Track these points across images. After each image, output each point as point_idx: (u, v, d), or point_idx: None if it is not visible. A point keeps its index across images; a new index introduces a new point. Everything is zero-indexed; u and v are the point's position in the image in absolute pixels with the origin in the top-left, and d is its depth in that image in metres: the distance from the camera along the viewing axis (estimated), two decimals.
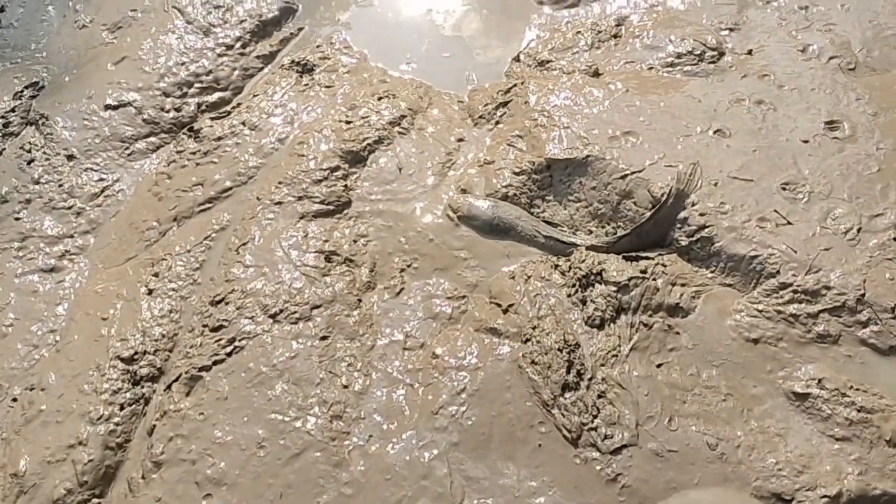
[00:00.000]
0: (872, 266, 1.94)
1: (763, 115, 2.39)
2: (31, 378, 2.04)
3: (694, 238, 2.11)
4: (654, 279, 2.04)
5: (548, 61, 2.75)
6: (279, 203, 2.40)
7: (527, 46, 2.88)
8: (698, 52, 2.64)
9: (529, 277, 2.12)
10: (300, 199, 2.40)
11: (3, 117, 2.78)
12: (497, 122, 2.63)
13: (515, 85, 2.71)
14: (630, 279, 2.03)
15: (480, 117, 2.67)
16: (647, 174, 2.24)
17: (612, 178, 2.30)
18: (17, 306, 2.23)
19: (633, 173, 2.27)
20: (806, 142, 2.27)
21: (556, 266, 2.12)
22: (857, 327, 1.87)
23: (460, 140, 2.62)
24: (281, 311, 2.10)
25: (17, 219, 2.46)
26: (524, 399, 1.86)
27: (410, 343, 2.04)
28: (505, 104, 2.67)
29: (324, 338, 2.04)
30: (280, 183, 2.45)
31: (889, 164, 2.16)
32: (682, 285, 2.05)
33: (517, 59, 2.84)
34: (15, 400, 2.01)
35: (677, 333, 1.95)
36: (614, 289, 2.02)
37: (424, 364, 1.98)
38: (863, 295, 1.87)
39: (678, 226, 2.15)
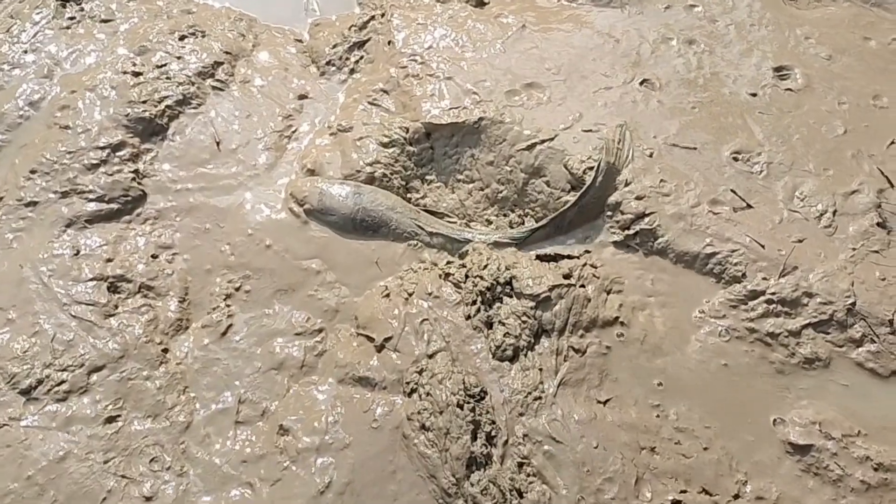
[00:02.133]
0: (857, 262, 1.50)
1: (698, 60, 1.87)
2: None
3: (631, 230, 1.58)
4: (584, 286, 1.50)
5: None
6: (33, 203, 1.59)
7: None
8: None
9: (411, 295, 1.50)
10: (65, 195, 1.61)
11: None
12: (352, 71, 1.95)
13: (374, 17, 2.02)
14: (552, 288, 1.47)
15: (328, 63, 1.97)
16: (561, 142, 1.67)
17: (516, 149, 1.71)
18: None
19: (542, 142, 1.69)
20: (754, 95, 1.78)
21: (447, 275, 1.52)
22: (849, 347, 1.44)
23: (302, 97, 1.91)
24: (39, 382, 1.34)
25: None
26: (416, 490, 1.27)
27: (245, 413, 1.37)
28: (361, 45, 1.98)
29: (111, 419, 1.33)
30: (33, 172, 1.64)
31: (856, 124, 1.72)
32: (619, 292, 1.53)
33: None
34: None
35: (620, 357, 1.43)
36: (531, 303, 1.45)
37: (268, 446, 1.33)
38: (853, 304, 1.44)
39: (608, 213, 1.61)
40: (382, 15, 2.03)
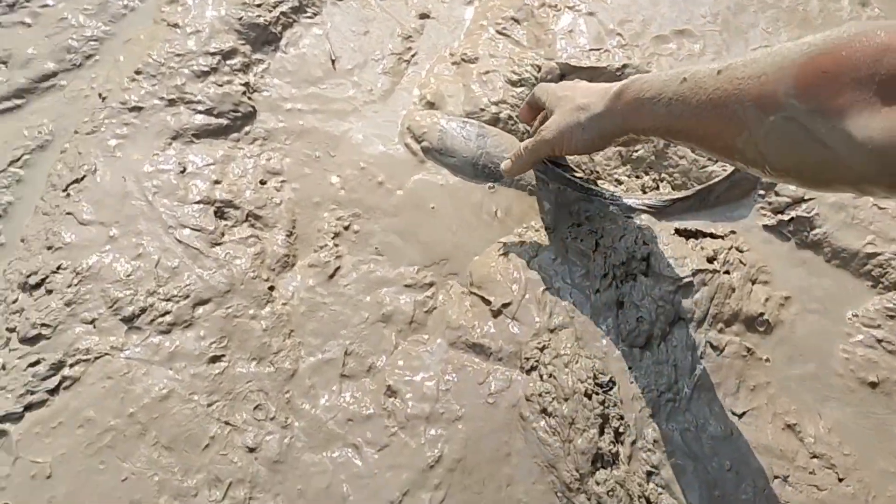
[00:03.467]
0: None
1: None
2: None
3: (785, 216, 1.42)
4: (728, 272, 1.36)
5: None
6: (137, 108, 1.47)
7: None
8: None
9: (533, 258, 1.38)
10: (172, 103, 1.48)
11: None
12: None
13: None
14: (695, 273, 1.33)
15: None
16: None
17: None
18: None
19: None
20: None
21: (575, 237, 1.38)
22: None
23: (424, 16, 1.73)
24: (143, 310, 1.27)
25: None
26: (533, 478, 1.19)
27: (351, 366, 1.29)
28: None
29: (215, 359, 1.25)
30: (138, 72, 1.51)
31: None
32: (766, 283, 1.39)
33: None
34: None
35: (760, 360, 1.32)
36: (670, 287, 1.32)
37: (375, 407, 1.25)
38: None
39: (760, 192, 1.45)
40: None
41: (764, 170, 0.88)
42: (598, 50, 1.60)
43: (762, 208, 1.45)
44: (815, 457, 1.21)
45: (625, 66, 1.57)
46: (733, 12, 1.67)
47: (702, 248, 1.38)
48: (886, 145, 0.69)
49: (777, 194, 1.43)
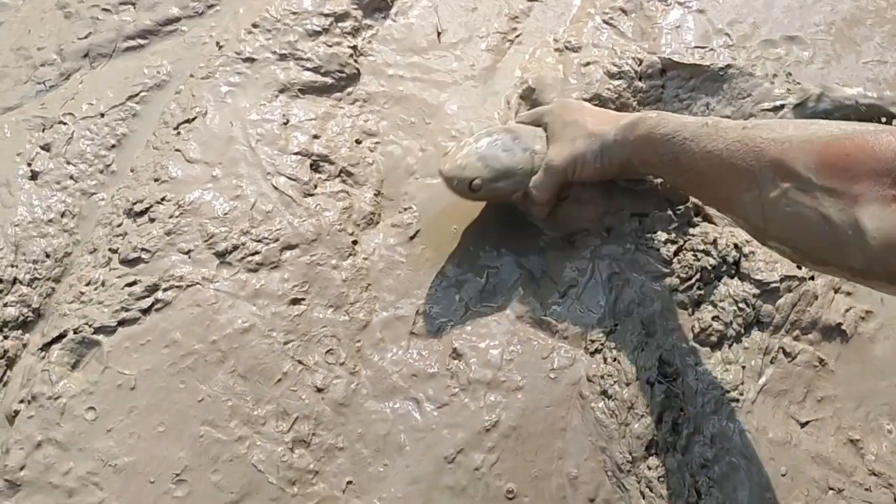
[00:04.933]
0: None
1: None
2: None
3: None
4: (813, 278, 1.34)
5: None
6: (250, 60, 1.55)
7: None
8: None
9: (601, 246, 1.39)
10: (283, 58, 1.56)
11: None
12: None
13: None
14: (783, 279, 1.32)
15: None
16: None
17: (759, 108, 1.52)
18: None
19: (794, 107, 1.49)
20: None
21: (672, 221, 1.37)
22: None
23: None
24: (235, 247, 1.34)
25: None
26: (585, 455, 1.20)
27: (420, 325, 1.33)
28: None
29: (296, 301, 1.32)
30: (255, 26, 1.59)
31: None
32: (849, 294, 1.37)
33: None
34: None
35: (832, 372, 1.29)
36: (755, 290, 1.31)
37: (439, 366, 1.29)
38: None
39: None
40: None
41: (763, 233, 0.89)
42: (704, 48, 1.59)
43: None
44: (873, 474, 1.19)
45: (728, 66, 1.55)
46: (848, 23, 1.63)
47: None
48: (893, 240, 0.71)
49: None
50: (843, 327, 1.32)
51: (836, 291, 1.35)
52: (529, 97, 1.58)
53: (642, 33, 1.64)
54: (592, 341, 1.29)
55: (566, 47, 1.63)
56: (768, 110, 1.50)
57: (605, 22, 1.67)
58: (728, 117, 1.54)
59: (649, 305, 1.31)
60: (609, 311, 1.31)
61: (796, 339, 1.29)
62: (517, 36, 1.68)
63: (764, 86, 1.52)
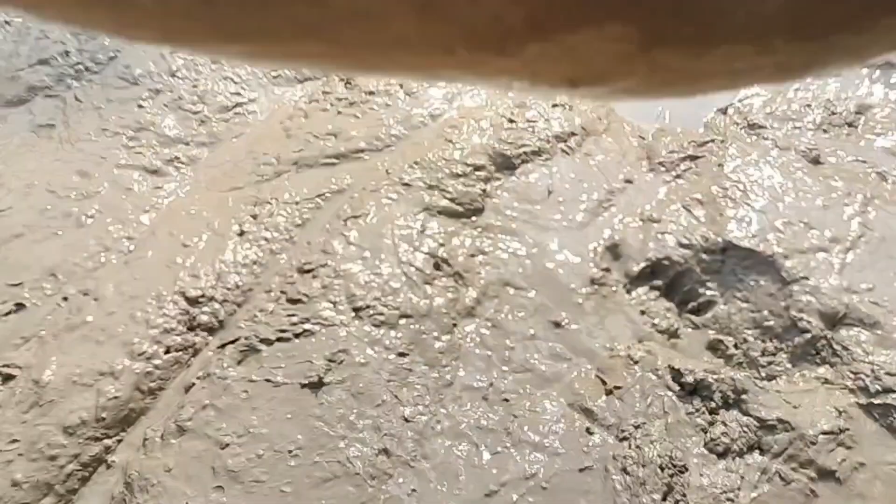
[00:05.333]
0: None
1: None
2: (90, 282, 1.85)
3: (877, 399, 1.67)
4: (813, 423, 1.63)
5: (760, 126, 2.31)
6: (407, 185, 2.11)
7: (740, 100, 2.45)
8: None
9: (637, 363, 1.75)
10: (431, 188, 2.11)
11: None
12: (678, 176, 2.24)
13: (713, 141, 2.29)
14: (780, 421, 1.62)
15: (660, 163, 2.28)
16: (842, 299, 1.81)
17: (799, 295, 1.88)
18: (106, 199, 2.04)
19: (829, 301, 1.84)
20: None
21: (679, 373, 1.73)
22: None
23: (628, 181, 2.24)
24: (368, 306, 1.82)
25: (141, 106, 2.29)
26: None
27: (492, 394, 1.71)
28: (694, 158, 2.27)
29: (402, 354, 1.75)
30: (416, 163, 2.16)
31: None
32: (850, 448, 1.63)
33: (724, 111, 2.42)
34: (66, 299, 1.82)
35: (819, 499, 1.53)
36: (756, 423, 1.62)
37: (499, 425, 1.65)
38: None
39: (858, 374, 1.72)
40: (722, 141, 2.31)
41: None
42: (759, 238, 1.99)
43: (860, 389, 1.70)
44: None
45: (774, 254, 1.94)
46: (887, 233, 1.99)
47: (793, 406, 1.66)
48: None
49: (877, 378, 1.68)
50: (838, 474, 1.57)
51: (838, 445, 1.62)
52: (614, 250, 2.03)
53: (712, 220, 2.07)
54: (622, 430, 1.62)
55: (649, 219, 2.08)
56: (798, 300, 1.86)
57: (684, 207, 2.12)
58: (771, 295, 1.91)
59: (673, 415, 1.64)
60: (641, 412, 1.65)
61: (794, 469, 1.56)
62: (610, 205, 2.16)
63: (798, 275, 1.89)
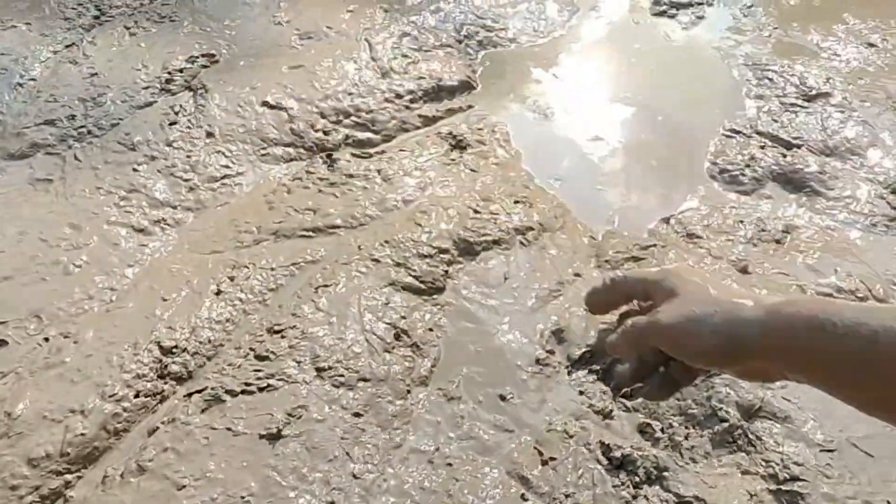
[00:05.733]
0: None
1: None
2: (71, 326, 1.97)
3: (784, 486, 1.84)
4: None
5: (697, 237, 2.56)
6: (377, 261, 2.30)
7: (681, 212, 2.72)
8: (860, 297, 2.39)
9: (586, 443, 1.90)
10: (398, 265, 2.30)
11: (169, 73, 2.85)
12: None
13: (655, 245, 2.54)
14: (696, 498, 1.77)
15: (606, 262, 2.51)
16: (758, 394, 2.00)
17: (720, 388, 2.08)
18: (94, 251, 2.19)
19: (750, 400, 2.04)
20: None
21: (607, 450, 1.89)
22: None
23: (577, 275, 2.46)
24: (330, 367, 1.96)
25: (135, 170, 2.47)
26: None
27: (437, 458, 1.85)
28: (637, 259, 2.50)
29: (357, 414, 1.88)
30: (386, 242, 2.36)
31: None
32: None
33: (667, 220, 2.68)
34: (46, 340, 1.94)
35: None
36: (675, 499, 1.77)
37: (442, 487, 1.78)
38: None
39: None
40: (663, 246, 2.55)
41: None
42: None
43: (770, 476, 1.87)
44: None
45: None
46: None
47: (709, 486, 1.83)
48: None
49: (786, 467, 1.86)
50: None
51: None
52: (559, 334, 2.22)
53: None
54: (555, 498, 1.76)
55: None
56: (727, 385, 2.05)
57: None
58: (696, 386, 2.10)
59: (600, 486, 1.79)
60: (573, 483, 1.80)
61: None
62: (559, 295, 2.36)
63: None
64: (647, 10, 3.72)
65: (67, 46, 2.87)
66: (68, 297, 2.06)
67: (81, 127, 2.56)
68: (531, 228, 2.54)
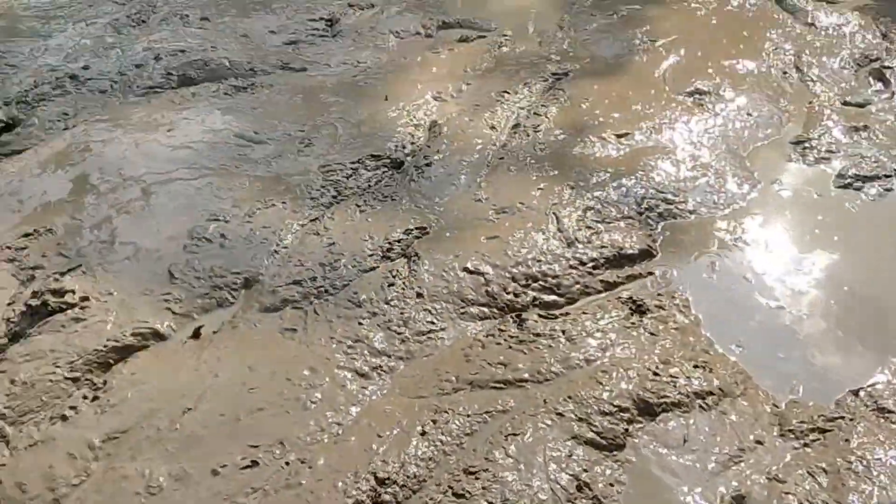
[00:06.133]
0: None
1: None
2: (307, 453, 2.38)
3: None
4: None
5: (889, 411, 2.54)
6: (560, 414, 2.53)
7: (871, 385, 2.71)
8: None
9: None
10: (580, 420, 2.51)
11: (389, 243, 3.40)
12: (805, 445, 2.48)
13: (843, 418, 2.55)
14: None
15: (790, 431, 2.55)
16: None
17: None
18: (326, 391, 2.63)
19: None
20: None
21: None
22: None
23: (759, 443, 2.52)
24: None
25: (360, 323, 2.95)
26: None
27: None
28: (822, 431, 2.52)
29: None
30: (570, 397, 2.59)
31: None
32: None
33: (856, 393, 2.68)
34: (287, 464, 2.35)
35: None
36: None
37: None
38: None
39: None
40: (851, 419, 2.55)
41: None
42: None
43: None
44: None
45: None
46: None
47: None
48: None
49: None
50: None
51: None
52: (739, 501, 2.28)
53: (834, 488, 2.29)
54: None
55: (775, 479, 2.33)
56: None
57: (809, 472, 2.36)
58: None
59: None
60: None
61: None
62: (740, 461, 2.43)
63: None
64: (830, 183, 3.82)
65: (312, 220, 3.53)
66: (305, 428, 2.48)
67: (320, 287, 3.12)
68: (711, 393, 2.67)
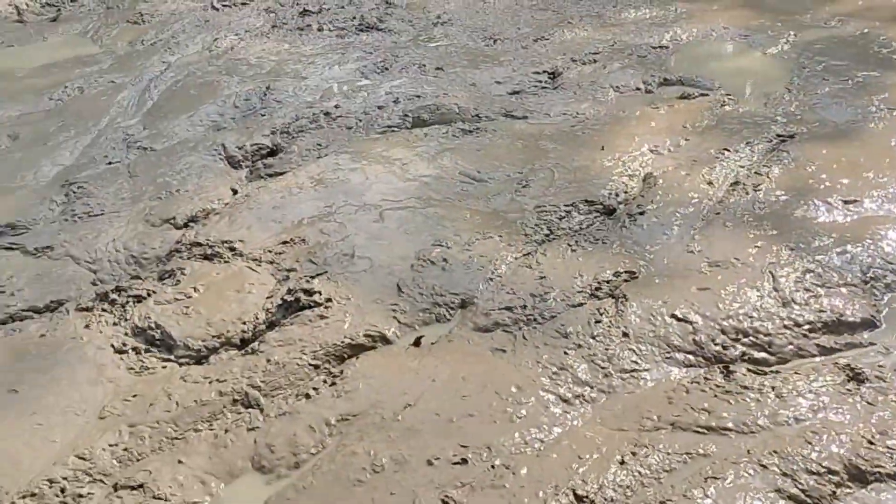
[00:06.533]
0: None
1: None
2: (511, 460, 2.54)
3: None
4: None
5: None
6: (764, 467, 2.51)
7: None
8: None
9: None
10: (785, 475, 2.47)
11: (598, 283, 3.54)
12: None
13: None
14: None
15: None
16: None
17: None
18: (531, 409, 2.79)
19: None
20: None
21: None
22: None
23: None
24: None
25: (566, 353, 3.12)
26: None
27: None
28: None
29: None
30: (775, 452, 2.57)
31: None
32: None
33: None
34: (493, 467, 2.54)
35: None
36: None
37: None
38: None
39: None
40: None
41: None
42: None
43: None
44: None
45: None
46: None
47: None
48: None
49: None
50: None
51: None
52: None
53: None
54: None
55: None
56: None
57: None
58: None
59: None
60: None
61: None
62: None
63: None
64: None
65: (525, 255, 3.78)
66: (511, 438, 2.68)
67: (530, 315, 3.34)
68: None
